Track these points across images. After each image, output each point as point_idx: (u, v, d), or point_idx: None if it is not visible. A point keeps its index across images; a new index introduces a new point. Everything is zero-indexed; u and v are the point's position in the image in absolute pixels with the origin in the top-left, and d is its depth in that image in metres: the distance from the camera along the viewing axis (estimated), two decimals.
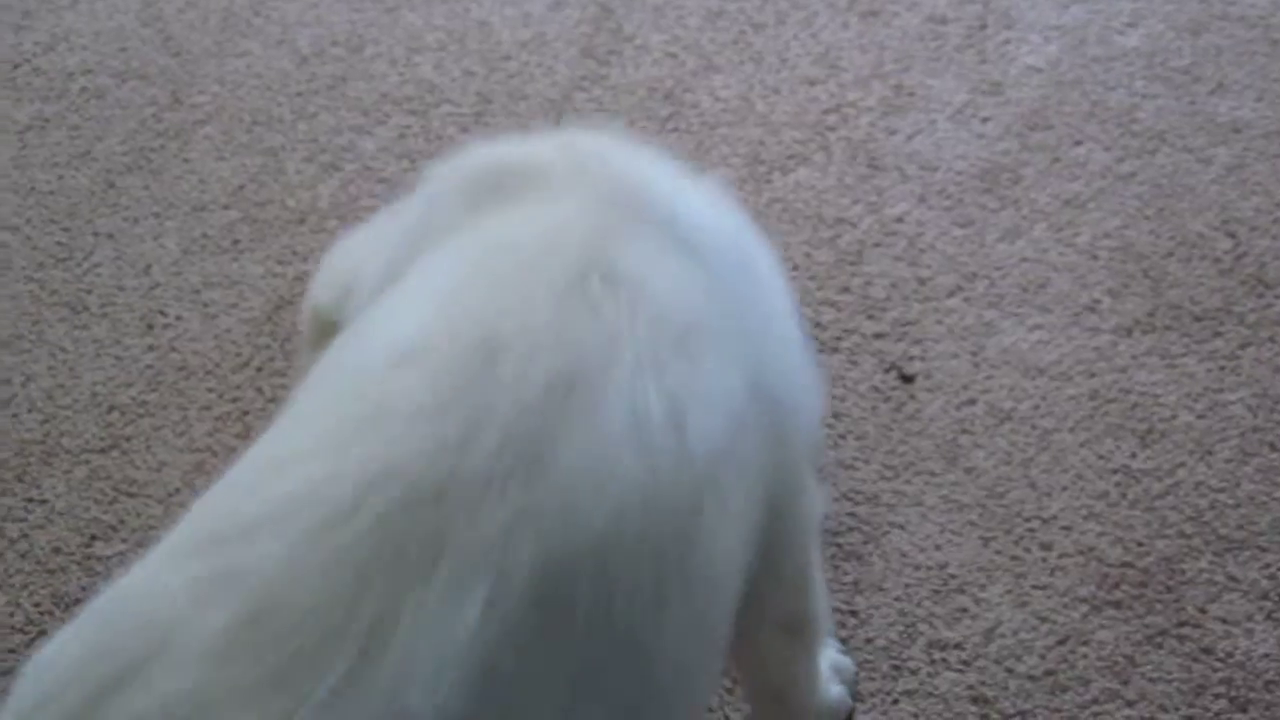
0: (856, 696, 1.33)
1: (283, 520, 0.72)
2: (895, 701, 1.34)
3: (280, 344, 1.65)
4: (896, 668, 1.36)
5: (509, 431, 0.74)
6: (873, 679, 1.35)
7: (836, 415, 1.52)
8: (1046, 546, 1.42)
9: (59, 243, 1.80)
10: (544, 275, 0.84)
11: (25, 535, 1.52)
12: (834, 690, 1.29)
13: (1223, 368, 1.54)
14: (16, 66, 2.06)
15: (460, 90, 1.93)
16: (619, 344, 0.80)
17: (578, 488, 0.75)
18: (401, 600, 0.68)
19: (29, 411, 1.62)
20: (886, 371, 1.55)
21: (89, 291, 1.74)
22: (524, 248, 0.88)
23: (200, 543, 0.74)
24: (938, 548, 1.42)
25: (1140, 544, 1.41)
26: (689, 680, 0.84)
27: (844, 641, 1.37)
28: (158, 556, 0.76)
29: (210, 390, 1.62)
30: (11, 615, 1.45)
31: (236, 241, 1.78)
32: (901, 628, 1.39)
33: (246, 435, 1.56)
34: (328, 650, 0.67)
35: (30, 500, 1.55)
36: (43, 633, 1.43)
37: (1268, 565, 1.40)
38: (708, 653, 0.86)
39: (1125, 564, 1.40)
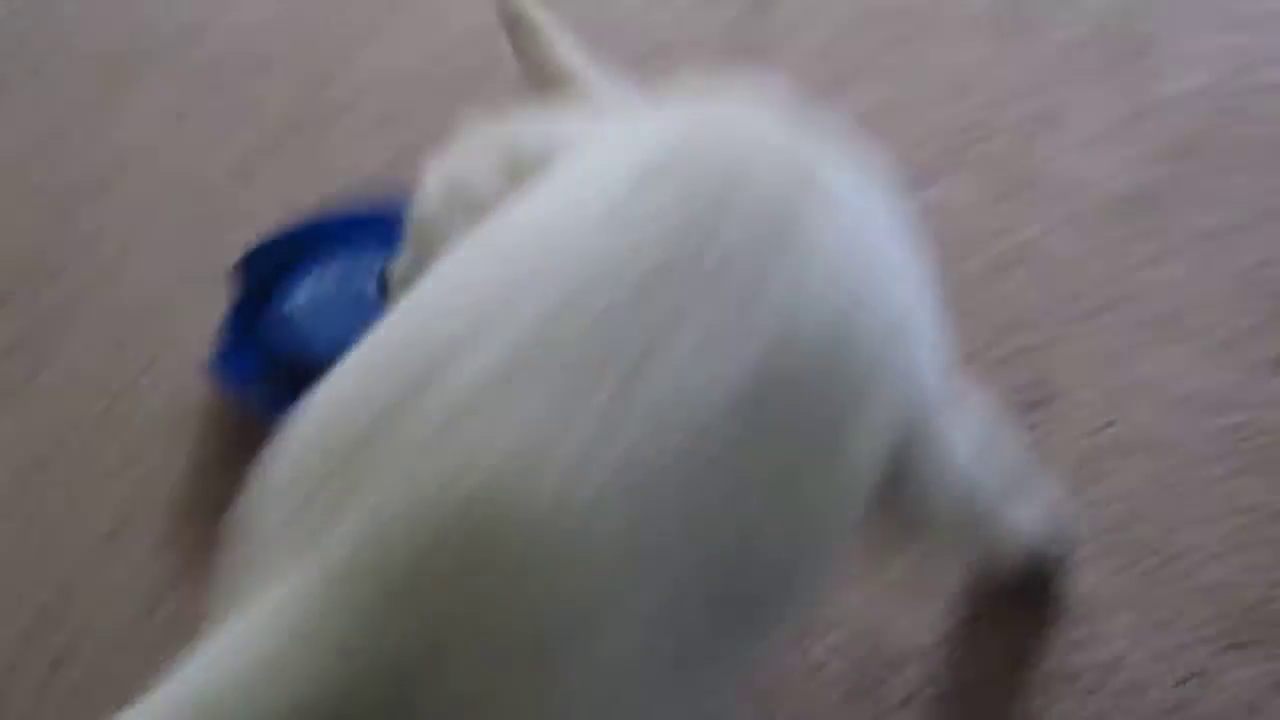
0: None
1: (566, 266, 0.78)
2: None
3: None
4: (1012, 693, 1.33)
5: (735, 252, 0.80)
6: (987, 704, 1.32)
7: None
8: (1174, 581, 1.38)
9: (199, 216, 1.84)
10: (797, 150, 0.90)
11: None
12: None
13: None
14: (166, 49, 2.11)
15: None
16: (826, 233, 0.85)
17: (781, 331, 0.80)
18: (655, 351, 0.74)
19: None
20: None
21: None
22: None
23: (497, 257, 0.82)
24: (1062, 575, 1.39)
25: (1274, 584, 1.37)
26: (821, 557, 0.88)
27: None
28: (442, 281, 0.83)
29: None
30: None
31: None
32: (1020, 654, 1.36)
33: None
34: (610, 361, 0.73)
35: None
36: None
37: None
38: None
39: (1256, 604, 1.35)
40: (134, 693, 0.67)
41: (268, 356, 1.50)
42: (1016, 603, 1.38)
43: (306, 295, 1.54)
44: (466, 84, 1.97)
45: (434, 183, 1.18)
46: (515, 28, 1.16)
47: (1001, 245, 1.68)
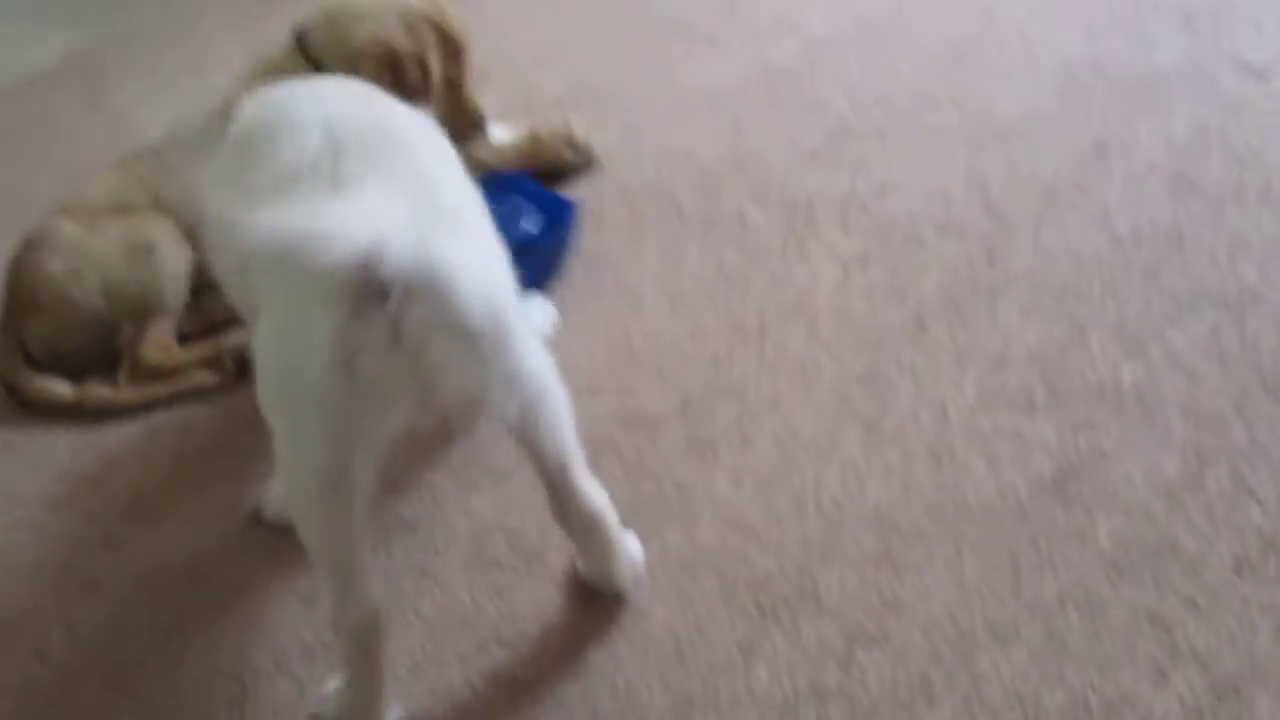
0: None
1: None
2: None
3: (1065, 510, 1.66)
4: None
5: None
6: None
7: None
8: None
9: (866, 367, 1.94)
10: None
11: (795, 622, 1.62)
12: None
13: None
14: (848, 204, 2.26)
15: None
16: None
17: None
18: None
19: (815, 511, 1.74)
20: None
21: (886, 415, 1.85)
22: None
23: None
24: None
25: None
26: None
27: None
28: None
29: (988, 533, 1.65)
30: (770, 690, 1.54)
31: (1031, 401, 1.82)
32: None
33: (1017, 590, 1.58)
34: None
35: (804, 592, 1.65)
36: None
37: None
38: None
39: None
40: None
41: None
42: None
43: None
44: (1140, 274, 1.96)
45: None
46: None
47: None
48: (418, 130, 1.50)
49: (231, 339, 2.29)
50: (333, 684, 1.57)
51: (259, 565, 1.88)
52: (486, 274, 1.35)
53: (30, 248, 2.37)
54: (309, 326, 1.24)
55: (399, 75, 2.21)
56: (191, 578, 1.90)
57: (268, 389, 1.37)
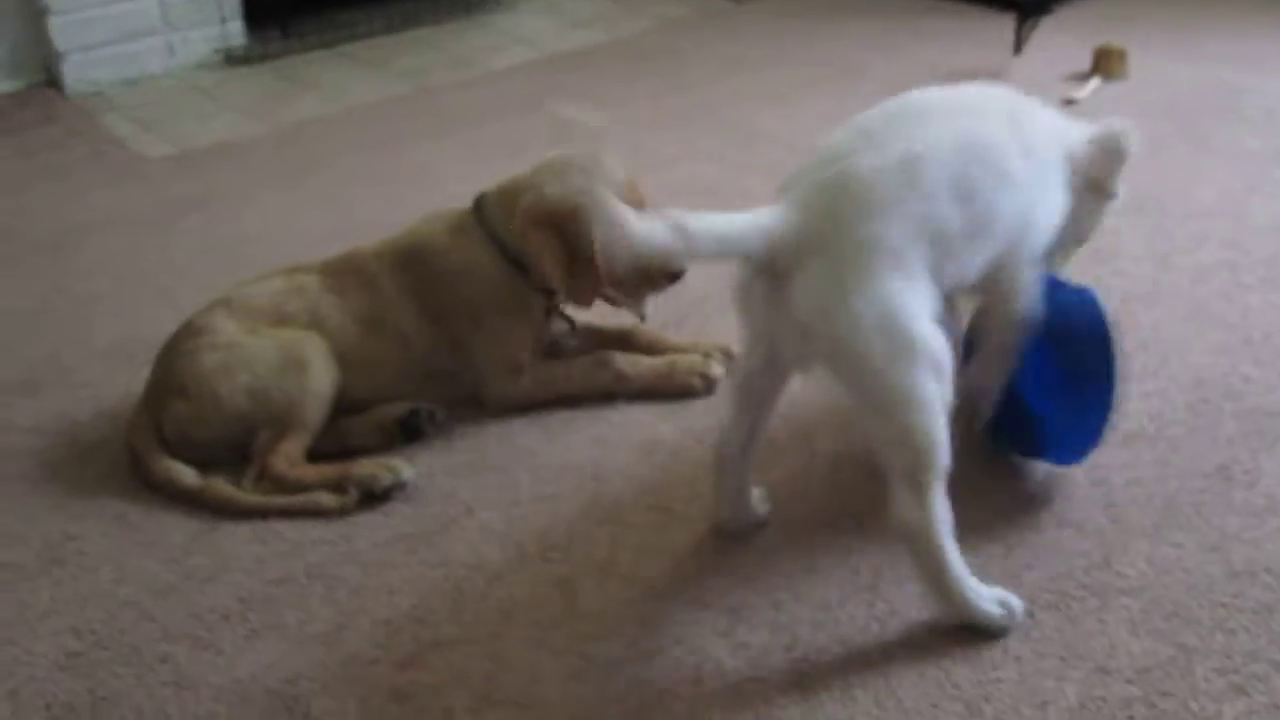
0: None
1: None
2: None
3: None
4: None
5: None
6: None
7: None
8: None
9: (971, 645, 1.98)
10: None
11: None
12: None
13: None
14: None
15: None
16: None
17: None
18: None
19: None
20: None
21: (987, 700, 1.89)
22: None
23: None
24: None
25: None
26: None
27: None
28: None
29: None
30: None
31: (1131, 718, 1.86)
32: None
33: None
34: None
35: None
36: None
37: None
38: None
39: None
40: None
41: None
42: None
43: None
44: (1251, 611, 2.00)
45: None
46: None
47: None
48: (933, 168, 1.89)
49: (360, 467, 2.36)
50: None
51: (353, 706, 1.92)
52: (832, 290, 1.79)
53: (190, 335, 2.47)
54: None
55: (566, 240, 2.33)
56: (285, 701, 1.94)
57: None
